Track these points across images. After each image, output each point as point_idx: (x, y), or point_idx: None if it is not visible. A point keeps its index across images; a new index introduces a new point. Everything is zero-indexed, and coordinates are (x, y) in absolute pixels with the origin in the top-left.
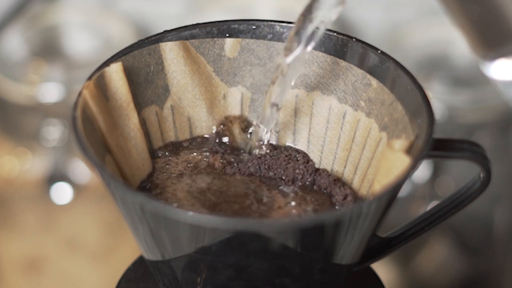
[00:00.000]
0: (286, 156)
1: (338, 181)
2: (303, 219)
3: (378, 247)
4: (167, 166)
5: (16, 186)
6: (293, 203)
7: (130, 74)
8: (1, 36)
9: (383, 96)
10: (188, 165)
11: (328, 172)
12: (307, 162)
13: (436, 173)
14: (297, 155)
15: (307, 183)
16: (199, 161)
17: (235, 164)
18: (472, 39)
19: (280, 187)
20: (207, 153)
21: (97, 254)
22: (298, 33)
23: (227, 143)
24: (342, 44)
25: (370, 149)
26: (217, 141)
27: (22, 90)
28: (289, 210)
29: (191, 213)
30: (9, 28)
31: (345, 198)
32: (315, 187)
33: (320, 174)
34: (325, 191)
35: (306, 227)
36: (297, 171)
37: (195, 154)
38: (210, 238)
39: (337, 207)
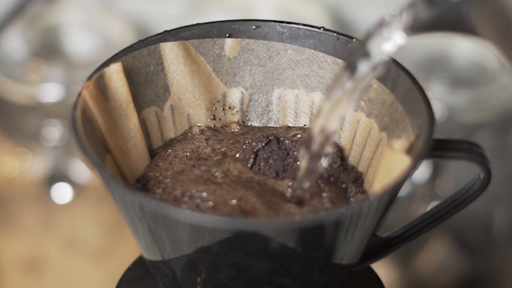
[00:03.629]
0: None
1: (357, 179)
2: (303, 219)
3: (378, 247)
4: (165, 160)
5: (16, 186)
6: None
7: (130, 74)
8: (1, 36)
9: (383, 96)
10: (187, 158)
11: (347, 167)
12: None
13: (436, 173)
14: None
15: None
16: (200, 152)
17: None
18: None
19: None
20: (207, 144)
21: (97, 254)
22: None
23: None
24: (342, 44)
25: (370, 149)
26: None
27: (22, 90)
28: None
29: (190, 212)
30: (9, 28)
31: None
32: (331, 178)
33: (339, 168)
34: (342, 185)
35: (306, 227)
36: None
37: (193, 146)
38: (209, 238)
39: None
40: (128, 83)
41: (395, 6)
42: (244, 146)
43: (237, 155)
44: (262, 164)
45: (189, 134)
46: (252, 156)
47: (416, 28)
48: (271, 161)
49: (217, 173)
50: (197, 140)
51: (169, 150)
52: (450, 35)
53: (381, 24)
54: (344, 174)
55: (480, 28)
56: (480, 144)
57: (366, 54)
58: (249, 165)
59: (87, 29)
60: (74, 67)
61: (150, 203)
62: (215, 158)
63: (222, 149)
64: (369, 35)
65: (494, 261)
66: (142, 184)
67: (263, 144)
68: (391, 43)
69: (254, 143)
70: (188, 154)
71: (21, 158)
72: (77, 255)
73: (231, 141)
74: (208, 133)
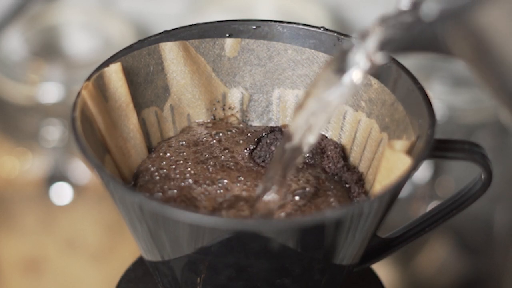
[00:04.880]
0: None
1: (360, 179)
2: (303, 219)
3: (378, 248)
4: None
5: (16, 186)
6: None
7: (129, 75)
8: (1, 36)
9: (384, 96)
10: (184, 146)
11: (350, 168)
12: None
13: (436, 173)
14: (329, 146)
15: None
16: (197, 141)
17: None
18: None
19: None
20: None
21: (97, 254)
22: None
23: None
24: (342, 44)
25: (371, 150)
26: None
27: (22, 90)
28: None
29: (190, 213)
30: (9, 28)
31: (358, 195)
32: (336, 178)
33: (342, 168)
34: (345, 185)
35: (306, 227)
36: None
37: (188, 135)
38: (209, 238)
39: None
40: (127, 83)
41: (366, 26)
42: (248, 135)
43: (241, 141)
44: (264, 149)
45: (187, 129)
46: (255, 139)
47: (389, 48)
48: (273, 148)
49: (222, 157)
50: (195, 130)
51: (162, 143)
52: (426, 55)
53: (354, 45)
54: (347, 174)
55: (455, 48)
56: (481, 144)
57: (340, 71)
58: (251, 147)
59: (87, 29)
60: (74, 67)
61: (149, 204)
62: (213, 143)
63: (222, 136)
64: (343, 53)
65: (494, 261)
66: (134, 179)
67: (268, 132)
68: (361, 64)
69: (257, 133)
70: (184, 143)
71: (21, 158)
72: (77, 256)
73: (232, 131)
74: (208, 125)
